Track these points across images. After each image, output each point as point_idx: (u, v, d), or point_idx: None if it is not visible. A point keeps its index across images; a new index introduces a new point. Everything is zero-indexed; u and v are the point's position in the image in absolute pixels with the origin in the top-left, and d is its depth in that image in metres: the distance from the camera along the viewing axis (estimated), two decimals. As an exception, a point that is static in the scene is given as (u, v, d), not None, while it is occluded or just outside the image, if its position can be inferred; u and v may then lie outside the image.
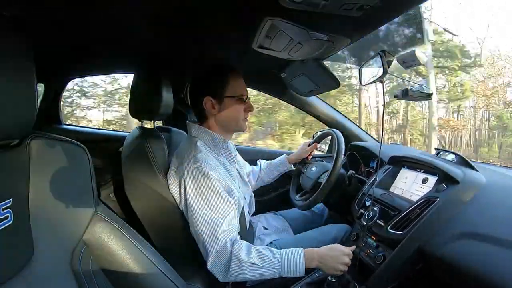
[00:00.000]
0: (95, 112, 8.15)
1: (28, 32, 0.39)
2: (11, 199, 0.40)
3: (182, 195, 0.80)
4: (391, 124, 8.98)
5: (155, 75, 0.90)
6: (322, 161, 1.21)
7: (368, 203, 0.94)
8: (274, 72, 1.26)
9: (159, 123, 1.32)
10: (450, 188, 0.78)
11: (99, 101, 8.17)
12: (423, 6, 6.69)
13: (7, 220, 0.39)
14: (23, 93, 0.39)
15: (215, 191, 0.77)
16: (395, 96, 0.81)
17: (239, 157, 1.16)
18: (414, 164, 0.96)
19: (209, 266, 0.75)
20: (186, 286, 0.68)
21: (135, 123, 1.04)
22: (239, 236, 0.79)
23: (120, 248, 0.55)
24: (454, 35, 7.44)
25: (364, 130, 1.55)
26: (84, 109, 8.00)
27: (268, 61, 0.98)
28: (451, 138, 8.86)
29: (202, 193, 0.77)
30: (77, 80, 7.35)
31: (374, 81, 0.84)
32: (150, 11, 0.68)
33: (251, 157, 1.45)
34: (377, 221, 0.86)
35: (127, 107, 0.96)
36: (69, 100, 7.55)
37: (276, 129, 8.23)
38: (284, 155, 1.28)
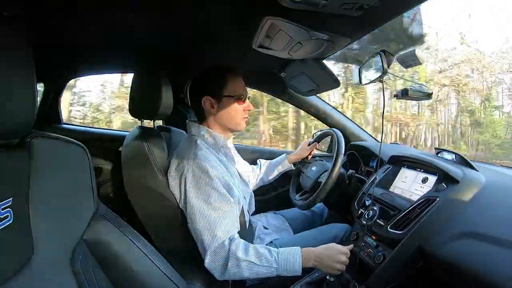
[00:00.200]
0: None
1: (28, 32, 0.39)
2: (11, 199, 0.40)
3: (182, 192, 0.80)
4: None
5: (155, 75, 0.90)
6: (322, 160, 1.21)
7: (368, 203, 0.94)
8: (274, 71, 1.26)
9: (159, 123, 1.32)
10: (450, 187, 0.78)
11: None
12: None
13: (7, 219, 0.39)
14: (23, 93, 0.39)
15: (215, 188, 0.77)
16: (394, 96, 0.82)
17: (239, 157, 1.16)
18: (414, 163, 0.96)
19: (206, 263, 0.75)
20: (186, 286, 0.68)
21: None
22: (237, 235, 0.79)
23: (120, 247, 0.55)
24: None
25: (364, 130, 1.55)
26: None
27: (268, 61, 0.98)
28: (407, 134, 8.47)
29: (202, 190, 0.77)
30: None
31: (374, 81, 0.84)
32: (150, 11, 0.68)
33: (251, 156, 1.46)
34: (377, 220, 0.86)
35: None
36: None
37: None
38: (284, 154, 1.28)
